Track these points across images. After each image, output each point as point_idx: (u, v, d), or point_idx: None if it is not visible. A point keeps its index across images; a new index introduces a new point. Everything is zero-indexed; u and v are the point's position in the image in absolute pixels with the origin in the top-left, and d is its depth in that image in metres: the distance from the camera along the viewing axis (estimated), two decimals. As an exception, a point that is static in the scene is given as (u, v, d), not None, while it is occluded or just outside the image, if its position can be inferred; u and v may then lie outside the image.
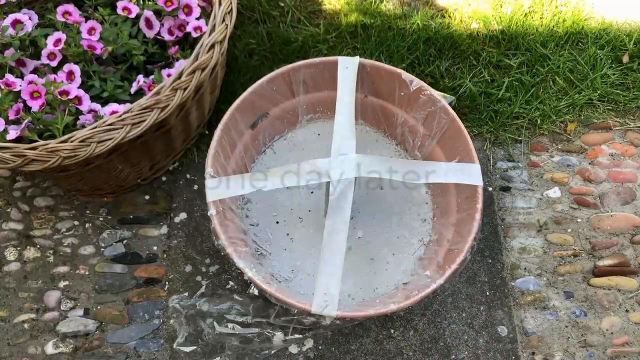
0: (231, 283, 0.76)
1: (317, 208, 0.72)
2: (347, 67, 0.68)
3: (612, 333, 0.76)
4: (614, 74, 0.92)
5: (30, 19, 0.74)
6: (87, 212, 0.81)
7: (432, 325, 0.74)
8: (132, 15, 0.75)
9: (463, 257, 0.59)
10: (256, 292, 0.64)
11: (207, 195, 0.61)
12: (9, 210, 0.82)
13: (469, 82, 0.90)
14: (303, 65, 0.69)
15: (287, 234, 0.70)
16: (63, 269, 0.78)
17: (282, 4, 0.98)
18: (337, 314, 0.55)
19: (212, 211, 0.59)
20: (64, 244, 0.79)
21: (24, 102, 0.68)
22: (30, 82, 0.68)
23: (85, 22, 0.73)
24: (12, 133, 0.65)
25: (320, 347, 0.72)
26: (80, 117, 0.69)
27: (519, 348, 0.73)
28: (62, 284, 0.77)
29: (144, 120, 0.62)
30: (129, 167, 0.74)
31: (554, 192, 0.85)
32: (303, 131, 0.77)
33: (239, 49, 0.92)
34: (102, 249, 0.79)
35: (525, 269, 0.79)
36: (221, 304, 0.72)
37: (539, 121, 0.89)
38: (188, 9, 0.75)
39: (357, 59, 0.68)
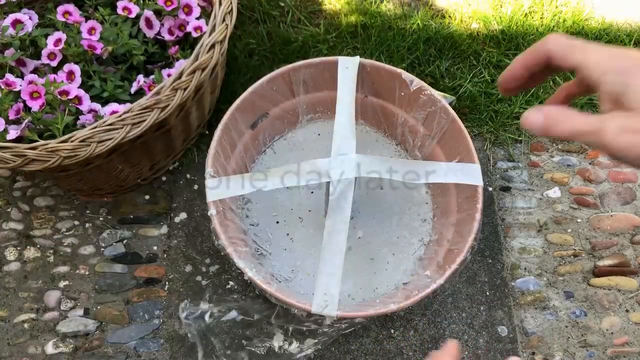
0: (231, 283, 0.76)
1: (317, 208, 0.72)
2: (347, 67, 0.68)
3: (612, 333, 0.76)
4: (614, 74, 0.92)
5: (30, 18, 0.74)
6: (87, 212, 0.81)
7: (432, 325, 0.74)
8: (132, 15, 0.75)
9: (463, 257, 0.59)
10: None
11: (207, 195, 0.61)
12: (9, 210, 0.82)
13: (469, 82, 0.90)
14: (303, 65, 0.69)
15: (287, 234, 0.70)
16: (63, 268, 0.78)
17: (282, 4, 0.98)
18: (337, 314, 0.55)
19: (212, 211, 0.59)
20: (64, 244, 0.79)
21: (24, 102, 0.68)
22: (30, 82, 0.68)
23: (86, 22, 0.73)
24: (12, 133, 0.65)
25: (320, 347, 0.72)
26: (80, 117, 0.69)
27: (519, 348, 0.73)
28: (62, 283, 0.77)
29: (144, 120, 0.62)
30: (129, 167, 0.74)
31: (554, 192, 0.85)
32: (303, 131, 0.77)
33: (239, 49, 0.92)
34: (102, 249, 0.79)
35: (525, 269, 0.79)
36: (225, 315, 0.72)
37: (539, 121, 0.89)
38: (188, 9, 0.75)
39: (357, 59, 0.68)
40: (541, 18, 0.97)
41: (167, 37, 0.76)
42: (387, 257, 0.69)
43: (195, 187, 0.83)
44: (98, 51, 0.72)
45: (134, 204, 0.82)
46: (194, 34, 0.75)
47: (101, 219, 0.81)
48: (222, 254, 0.58)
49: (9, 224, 0.81)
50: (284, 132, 0.76)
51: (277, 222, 0.71)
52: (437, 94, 0.67)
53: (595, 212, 0.84)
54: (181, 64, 0.70)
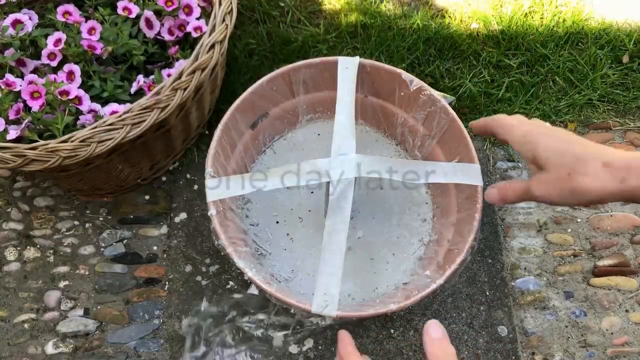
0: (231, 283, 0.76)
1: (317, 208, 0.72)
2: (347, 67, 0.68)
3: (612, 333, 0.76)
4: (614, 74, 0.92)
5: (30, 19, 0.74)
6: (87, 212, 0.81)
7: (432, 325, 0.74)
8: (133, 15, 0.75)
9: (463, 257, 0.59)
10: (255, 291, 0.64)
11: (207, 195, 0.60)
12: (9, 210, 0.82)
13: (469, 82, 0.90)
14: (303, 65, 0.69)
15: (287, 234, 0.70)
16: (63, 269, 0.78)
17: (282, 4, 0.98)
18: (337, 314, 0.55)
19: (212, 211, 0.59)
20: (64, 244, 0.79)
21: (24, 102, 0.68)
22: (31, 82, 0.68)
23: (86, 22, 0.73)
24: (12, 133, 0.65)
25: (320, 347, 0.72)
26: (80, 117, 0.69)
27: (519, 348, 0.73)
28: (62, 284, 0.77)
29: (144, 120, 0.62)
30: (129, 167, 0.74)
31: (554, 192, 0.85)
32: (303, 131, 0.77)
33: (239, 49, 0.92)
34: (102, 249, 0.79)
35: (525, 269, 0.79)
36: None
37: (539, 121, 0.89)
38: (188, 9, 0.75)
39: (357, 59, 0.68)
40: (541, 18, 0.97)
41: (167, 37, 0.76)
42: (387, 257, 0.69)
43: (195, 187, 0.83)
44: (98, 51, 0.72)
45: (134, 204, 0.82)
46: (194, 34, 0.75)
47: (101, 219, 0.81)
48: (222, 254, 0.58)
49: (9, 224, 0.81)
50: (284, 132, 0.76)
51: (277, 222, 0.71)
52: (437, 94, 0.67)
53: (595, 212, 0.84)
54: (181, 64, 0.70)
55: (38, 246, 0.79)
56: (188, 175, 0.84)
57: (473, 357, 0.72)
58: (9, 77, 0.69)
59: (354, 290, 0.67)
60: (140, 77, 0.72)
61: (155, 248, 0.79)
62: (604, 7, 1.00)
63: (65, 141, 0.60)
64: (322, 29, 0.95)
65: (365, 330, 0.73)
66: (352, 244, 0.70)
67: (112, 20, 0.76)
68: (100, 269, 0.78)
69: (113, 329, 0.74)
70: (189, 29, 0.75)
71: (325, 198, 0.64)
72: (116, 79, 0.73)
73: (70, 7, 0.75)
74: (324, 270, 0.57)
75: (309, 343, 0.72)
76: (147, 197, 0.82)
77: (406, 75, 0.67)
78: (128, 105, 0.64)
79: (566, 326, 0.76)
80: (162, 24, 0.76)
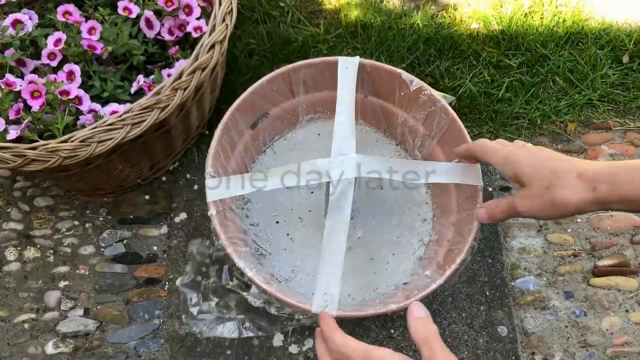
0: (231, 283, 0.76)
1: (317, 208, 0.72)
2: (347, 67, 0.68)
3: (612, 333, 0.76)
4: (614, 74, 0.92)
5: (30, 18, 0.74)
6: (87, 212, 0.81)
7: (432, 325, 0.74)
8: (133, 15, 0.75)
9: (463, 257, 0.59)
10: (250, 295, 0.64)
11: (207, 195, 0.60)
12: (9, 210, 0.82)
13: (469, 82, 0.90)
14: (303, 65, 0.69)
15: (287, 234, 0.70)
16: (63, 269, 0.78)
17: (282, 4, 0.98)
18: (337, 314, 0.55)
19: (212, 211, 0.59)
20: (64, 244, 0.79)
21: (24, 102, 0.68)
22: (31, 82, 0.68)
23: (86, 22, 0.74)
24: (12, 133, 0.65)
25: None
26: (80, 117, 0.69)
27: (519, 348, 0.73)
28: (62, 284, 0.77)
29: (144, 120, 0.62)
30: (129, 167, 0.74)
31: (554, 192, 0.85)
32: (303, 131, 0.77)
33: (239, 49, 0.92)
34: (102, 249, 0.79)
35: (525, 269, 0.79)
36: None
37: (539, 121, 0.89)
38: (188, 9, 0.76)
39: (357, 59, 0.68)
40: (541, 18, 0.97)
41: (167, 37, 0.76)
42: (387, 257, 0.69)
43: (195, 187, 0.83)
44: (98, 51, 0.72)
45: (134, 204, 0.82)
46: (194, 34, 0.75)
47: (101, 219, 0.81)
48: (222, 254, 0.58)
49: (9, 224, 0.81)
50: (284, 132, 0.76)
51: (277, 222, 0.71)
52: (437, 94, 0.67)
53: (595, 212, 0.84)
54: (181, 64, 0.70)
55: (38, 246, 0.79)
56: (188, 175, 0.84)
57: (473, 357, 0.72)
58: (9, 77, 0.69)
59: (354, 290, 0.67)
60: (141, 77, 0.72)
61: (155, 248, 0.79)
62: (604, 7, 1.00)
63: (65, 141, 0.60)
64: (322, 29, 0.95)
65: (365, 330, 0.73)
66: (352, 244, 0.70)
67: (112, 20, 0.76)
68: (100, 269, 0.78)
69: (113, 329, 0.74)
70: (189, 29, 0.75)
71: (325, 198, 0.64)
72: (116, 79, 0.73)
73: (71, 7, 0.75)
74: (324, 270, 0.57)
75: (309, 343, 0.72)
76: (147, 197, 0.82)
77: (406, 75, 0.67)
78: (128, 105, 0.64)
79: (566, 326, 0.76)
80: (162, 24, 0.76)
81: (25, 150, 0.60)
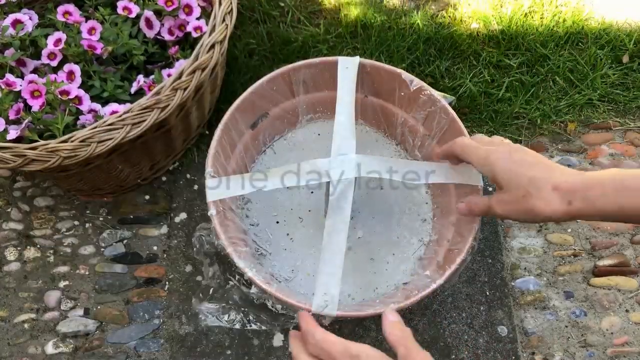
0: (231, 283, 0.76)
1: (317, 208, 0.72)
2: (347, 67, 0.68)
3: (612, 333, 0.76)
4: (614, 74, 0.92)
5: (30, 19, 0.74)
6: (87, 212, 0.81)
7: (432, 325, 0.74)
8: (133, 15, 0.75)
9: (463, 257, 0.59)
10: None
11: (207, 195, 0.60)
12: (9, 210, 0.82)
13: (469, 82, 0.90)
14: (303, 65, 0.69)
15: (287, 234, 0.70)
16: (63, 269, 0.78)
17: (282, 4, 0.98)
18: (337, 314, 0.55)
19: (212, 211, 0.59)
20: (64, 244, 0.79)
21: (24, 102, 0.68)
22: (31, 82, 0.68)
23: (86, 22, 0.74)
24: (12, 133, 0.65)
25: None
26: (80, 117, 0.69)
27: (519, 348, 0.73)
28: (62, 284, 0.77)
29: (144, 120, 0.62)
30: (129, 167, 0.74)
31: (554, 192, 0.85)
32: (303, 131, 0.77)
33: (239, 49, 0.92)
34: (102, 249, 0.79)
35: (525, 269, 0.79)
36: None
37: (539, 121, 0.89)
38: (188, 9, 0.76)
39: (357, 59, 0.68)
40: (541, 18, 0.97)
41: (167, 37, 0.76)
42: (387, 257, 0.69)
43: (195, 187, 0.83)
44: (98, 51, 0.72)
45: (134, 204, 0.82)
46: (194, 34, 0.75)
47: (101, 219, 0.81)
48: (222, 254, 0.58)
49: (9, 224, 0.81)
50: (284, 132, 0.76)
51: (277, 222, 0.71)
52: (437, 94, 0.67)
53: (595, 212, 0.84)
54: (181, 64, 0.70)
55: (38, 246, 0.79)
56: (188, 175, 0.84)
57: (473, 357, 0.72)
58: (9, 77, 0.69)
59: (354, 290, 0.67)
60: (141, 77, 0.72)
61: (155, 248, 0.79)
62: (604, 7, 1.00)
63: (65, 141, 0.60)
64: (322, 29, 0.95)
65: (365, 330, 0.73)
66: (352, 244, 0.70)
67: (112, 20, 0.76)
68: (100, 269, 0.78)
69: (113, 329, 0.74)
70: (189, 29, 0.75)
71: (325, 198, 0.64)
72: (116, 79, 0.73)
73: (71, 7, 0.75)
74: (324, 270, 0.57)
75: (309, 343, 0.72)
76: (147, 197, 0.82)
77: (406, 75, 0.67)
78: (128, 105, 0.64)
79: (566, 326, 0.76)
80: (162, 24, 0.76)
81: (25, 150, 0.60)
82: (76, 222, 0.81)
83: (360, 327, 0.73)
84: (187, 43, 0.79)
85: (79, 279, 0.77)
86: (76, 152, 0.60)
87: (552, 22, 0.96)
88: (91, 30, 0.73)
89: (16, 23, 0.73)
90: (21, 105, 0.67)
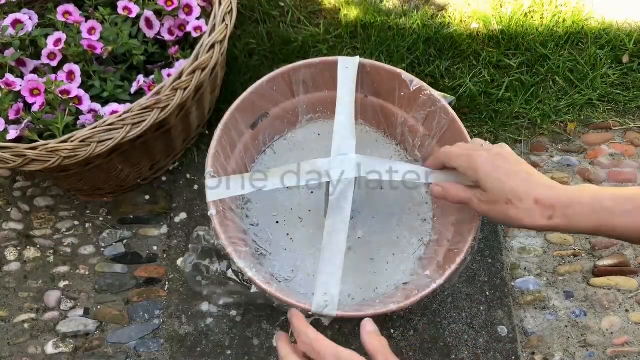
0: (231, 283, 0.76)
1: (317, 208, 0.72)
2: (347, 67, 0.68)
3: (612, 333, 0.76)
4: (614, 74, 0.92)
5: (30, 18, 0.74)
6: (87, 212, 0.81)
7: (432, 325, 0.74)
8: (133, 15, 0.75)
9: (463, 257, 0.59)
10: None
11: (207, 195, 0.60)
12: (9, 210, 0.82)
13: (469, 82, 0.90)
14: (303, 65, 0.69)
15: (287, 234, 0.70)
16: (63, 268, 0.78)
17: (282, 4, 0.98)
18: (337, 314, 0.55)
19: (212, 211, 0.59)
20: (64, 244, 0.79)
21: (24, 102, 0.68)
22: (31, 81, 0.68)
23: (86, 22, 0.74)
24: (12, 133, 0.65)
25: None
26: (80, 117, 0.69)
27: (519, 348, 0.73)
28: (62, 283, 0.77)
29: (144, 120, 0.62)
30: (129, 167, 0.74)
31: (554, 192, 0.85)
32: (303, 131, 0.76)
33: (239, 49, 0.92)
34: (102, 249, 0.79)
35: (525, 268, 0.79)
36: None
37: (539, 121, 0.89)
38: (188, 9, 0.75)
39: (357, 59, 0.68)
40: (541, 18, 0.97)
41: (167, 37, 0.76)
42: (387, 257, 0.69)
43: (195, 187, 0.83)
44: (98, 51, 0.72)
45: (134, 204, 0.82)
46: (194, 34, 0.75)
47: (101, 219, 0.81)
48: (222, 253, 0.58)
49: (9, 224, 0.81)
50: (284, 132, 0.76)
51: (277, 222, 0.71)
52: (437, 94, 0.67)
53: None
54: (181, 64, 0.70)
55: (38, 246, 0.79)
56: (188, 175, 0.84)
57: (473, 357, 0.72)
58: (9, 77, 0.69)
59: (354, 290, 0.67)
60: (141, 77, 0.72)
61: (155, 248, 0.79)
62: (604, 7, 1.00)
63: (65, 141, 0.60)
64: (322, 29, 0.95)
65: (365, 330, 0.73)
66: (352, 244, 0.70)
67: (112, 20, 0.76)
68: (100, 269, 0.78)
69: (113, 329, 0.74)
70: (189, 28, 0.75)
71: (325, 198, 0.64)
72: (116, 79, 0.73)
73: (70, 7, 0.75)
74: (324, 270, 0.57)
75: (309, 343, 0.72)
76: (147, 197, 0.82)
77: (406, 75, 0.67)
78: (128, 105, 0.64)
79: (566, 326, 0.76)
80: (162, 24, 0.76)
81: (25, 150, 0.60)
82: (76, 222, 0.81)
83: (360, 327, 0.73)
84: (187, 43, 0.79)
85: (79, 279, 0.77)
86: (76, 152, 0.60)
87: (552, 22, 0.97)
88: (91, 30, 0.73)
89: (16, 23, 0.73)
90: (21, 105, 0.67)
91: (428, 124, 0.69)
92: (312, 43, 0.93)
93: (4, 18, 0.73)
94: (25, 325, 0.74)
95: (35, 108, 0.67)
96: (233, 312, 0.75)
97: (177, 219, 0.81)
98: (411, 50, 0.93)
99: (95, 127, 0.61)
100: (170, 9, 0.75)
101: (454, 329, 0.74)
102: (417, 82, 0.67)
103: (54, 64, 0.72)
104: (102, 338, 0.74)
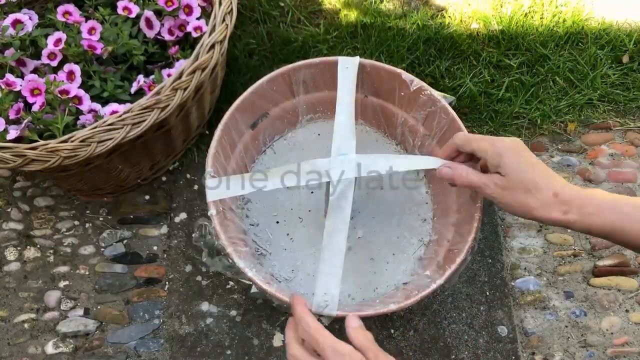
0: (231, 283, 0.76)
1: (317, 208, 0.72)
2: (347, 67, 0.68)
3: (612, 333, 0.76)
4: (614, 74, 0.92)
5: (30, 18, 0.74)
6: (87, 212, 0.81)
7: (432, 325, 0.74)
8: (133, 15, 0.75)
9: (463, 257, 0.59)
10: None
11: (207, 195, 0.60)
12: (9, 210, 0.82)
13: (469, 82, 0.90)
14: (303, 65, 0.69)
15: (287, 234, 0.70)
16: (63, 268, 0.78)
17: (282, 4, 0.98)
18: (337, 314, 0.55)
19: (212, 211, 0.59)
20: (64, 244, 0.79)
21: (25, 102, 0.68)
22: (31, 81, 0.68)
23: (86, 22, 0.74)
24: (12, 133, 0.65)
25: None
26: (80, 117, 0.69)
27: (519, 348, 0.73)
28: (62, 283, 0.77)
29: (144, 120, 0.62)
30: (129, 167, 0.74)
31: (554, 192, 0.85)
32: (303, 131, 0.76)
33: (239, 49, 0.92)
34: (102, 249, 0.79)
35: (525, 269, 0.79)
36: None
37: (539, 121, 0.89)
38: (188, 9, 0.75)
39: (357, 59, 0.68)
40: (541, 18, 0.97)
41: (167, 37, 0.76)
42: (387, 257, 0.69)
43: (195, 187, 0.83)
44: (98, 51, 0.72)
45: (134, 204, 0.82)
46: (194, 34, 0.75)
47: (101, 219, 0.81)
48: (222, 254, 0.58)
49: (9, 224, 0.81)
50: (284, 132, 0.76)
51: (277, 222, 0.71)
52: (437, 94, 0.67)
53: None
54: (181, 64, 0.70)
55: (38, 246, 0.79)
56: (188, 175, 0.84)
57: (473, 357, 0.72)
58: (9, 77, 0.69)
59: (354, 290, 0.67)
60: (141, 77, 0.72)
61: (155, 248, 0.79)
62: (604, 7, 1.00)
63: (65, 141, 0.60)
64: (322, 29, 0.95)
65: (365, 330, 0.73)
66: (352, 244, 0.70)
67: (112, 20, 0.76)
68: (100, 269, 0.78)
69: (113, 329, 0.74)
70: (189, 29, 0.75)
71: (325, 198, 0.64)
72: (116, 79, 0.73)
73: (70, 7, 0.75)
74: (324, 270, 0.57)
75: (309, 343, 0.72)
76: (147, 197, 0.82)
77: (406, 75, 0.67)
78: (128, 105, 0.64)
79: (566, 326, 0.76)
80: (162, 24, 0.76)
81: (25, 150, 0.60)
82: (76, 222, 0.81)
83: (360, 327, 0.73)
84: (187, 43, 0.79)
85: (79, 279, 0.77)
86: (76, 152, 0.60)
87: (552, 22, 0.96)
88: (91, 30, 0.73)
89: (16, 23, 0.73)
90: (21, 105, 0.67)
91: (428, 124, 0.69)
92: (312, 43, 0.93)
93: (4, 18, 0.73)
94: (25, 325, 0.74)
95: (35, 108, 0.67)
96: (233, 312, 0.75)
97: (177, 219, 0.81)
98: (411, 50, 0.93)
99: (95, 127, 0.61)
100: (170, 9, 0.75)
101: (454, 329, 0.74)
102: (417, 82, 0.67)
103: (54, 64, 0.72)
104: (102, 338, 0.74)
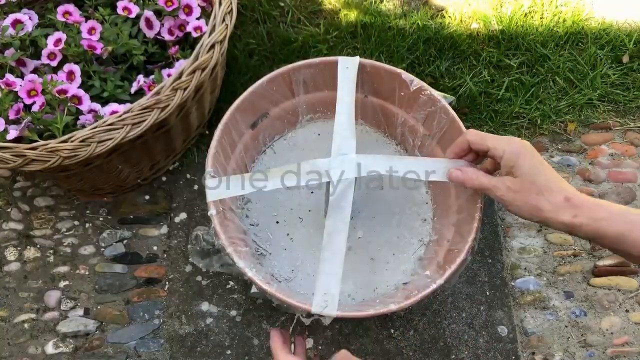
0: (231, 283, 0.76)
1: (317, 208, 0.72)
2: (347, 67, 0.68)
3: (612, 333, 0.76)
4: (614, 74, 0.92)
5: (30, 19, 0.74)
6: (87, 212, 0.81)
7: (432, 325, 0.74)
8: (132, 15, 0.75)
9: (463, 257, 0.59)
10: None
11: (207, 195, 0.60)
12: (9, 210, 0.82)
13: (469, 82, 0.90)
14: (303, 65, 0.69)
15: (287, 234, 0.70)
16: (63, 269, 0.78)
17: (282, 4, 0.98)
18: (337, 314, 0.55)
19: (212, 211, 0.59)
20: (64, 244, 0.79)
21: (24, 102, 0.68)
22: (29, 82, 0.68)
23: (86, 22, 0.74)
24: (12, 133, 0.65)
25: (320, 347, 0.72)
26: (80, 117, 0.69)
27: (519, 348, 0.73)
28: (62, 283, 0.77)
29: (144, 120, 0.62)
30: (129, 167, 0.74)
31: (554, 192, 0.85)
32: (303, 131, 0.76)
33: (239, 49, 0.92)
34: (102, 249, 0.79)
35: (525, 269, 0.79)
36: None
37: (539, 121, 0.89)
38: (188, 9, 0.75)
39: (357, 59, 0.68)
40: (541, 18, 0.97)
41: (167, 37, 0.76)
42: (387, 257, 0.69)
43: (195, 187, 0.83)
44: (98, 51, 0.72)
45: (134, 204, 0.82)
46: (194, 34, 0.75)
47: (101, 219, 0.81)
48: (222, 254, 0.58)
49: (9, 224, 0.81)
50: (284, 132, 0.76)
51: (277, 222, 0.71)
52: (437, 94, 0.67)
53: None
54: (181, 64, 0.70)
55: (38, 246, 0.79)
56: (188, 175, 0.84)
57: (473, 357, 0.72)
58: (9, 77, 0.69)
59: (354, 290, 0.67)
60: (141, 77, 0.72)
61: (155, 248, 0.79)
62: (604, 7, 1.00)
63: (65, 141, 0.60)
64: (322, 29, 0.95)
65: (365, 330, 0.73)
66: (352, 244, 0.70)
67: (112, 20, 0.76)
68: (100, 269, 0.78)
69: (113, 329, 0.74)
70: (189, 29, 0.75)
71: (326, 198, 0.64)
72: (116, 79, 0.73)
73: (70, 7, 0.75)
74: (324, 270, 0.57)
75: (309, 343, 0.72)
76: (147, 197, 0.82)
77: (406, 75, 0.67)
78: (128, 105, 0.64)
79: (566, 326, 0.76)
80: (162, 24, 0.76)
81: (25, 150, 0.60)
82: (76, 222, 0.81)
83: (360, 327, 0.73)
84: (187, 43, 0.79)
85: (79, 279, 0.77)
86: (76, 152, 0.60)
87: (552, 22, 0.96)
88: (91, 30, 0.73)
89: (16, 23, 0.73)
90: (21, 105, 0.67)
91: (428, 124, 0.69)
92: (312, 43, 0.93)
93: (4, 18, 0.73)
94: (25, 325, 0.74)
95: (35, 108, 0.67)
96: (233, 312, 0.75)
97: (177, 219, 0.81)
98: (411, 50, 0.93)
99: (95, 127, 0.61)
100: (170, 9, 0.75)
101: (454, 329, 0.74)
102: (417, 82, 0.67)
103: (54, 64, 0.72)
104: (102, 338, 0.74)
